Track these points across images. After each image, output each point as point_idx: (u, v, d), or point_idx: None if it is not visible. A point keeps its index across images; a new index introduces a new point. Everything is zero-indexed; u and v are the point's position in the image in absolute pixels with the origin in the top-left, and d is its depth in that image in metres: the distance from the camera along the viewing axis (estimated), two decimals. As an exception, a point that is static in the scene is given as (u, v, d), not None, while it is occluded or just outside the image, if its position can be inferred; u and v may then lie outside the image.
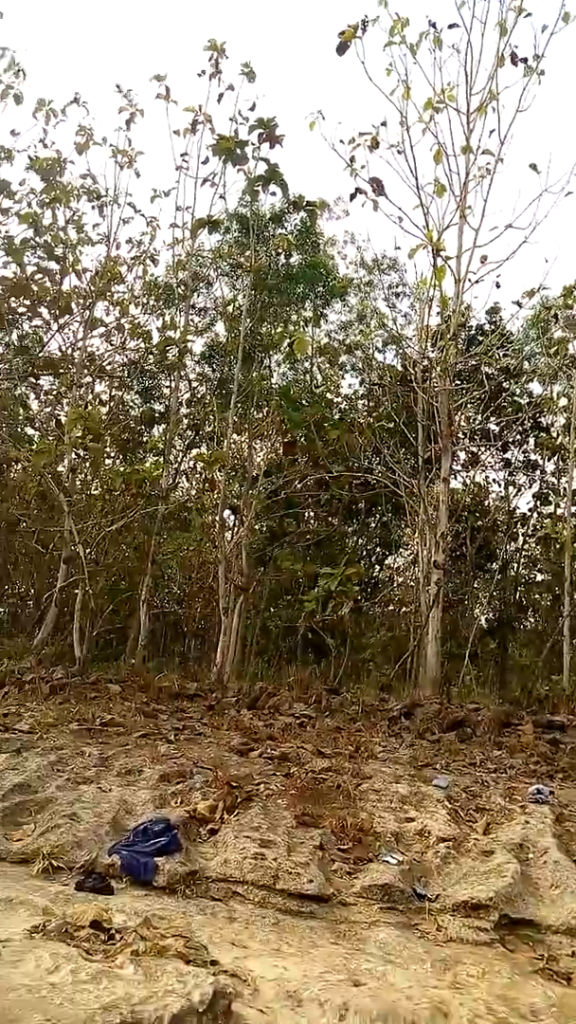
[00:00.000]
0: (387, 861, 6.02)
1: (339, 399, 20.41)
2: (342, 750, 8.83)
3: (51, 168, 15.73)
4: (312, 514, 19.05)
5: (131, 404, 20.11)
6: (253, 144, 14.26)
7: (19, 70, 15.40)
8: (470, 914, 5.41)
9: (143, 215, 16.64)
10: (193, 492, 20.56)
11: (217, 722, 10.01)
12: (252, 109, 14.53)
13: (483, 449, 17.83)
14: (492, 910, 5.41)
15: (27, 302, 16.42)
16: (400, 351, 18.34)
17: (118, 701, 10.61)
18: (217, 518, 15.19)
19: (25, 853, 5.71)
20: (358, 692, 12.70)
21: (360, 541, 20.16)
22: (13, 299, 16.20)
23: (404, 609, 19.79)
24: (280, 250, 14.93)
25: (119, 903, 5.07)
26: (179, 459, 18.99)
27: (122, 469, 14.52)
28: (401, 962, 4.79)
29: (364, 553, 20.05)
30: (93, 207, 16.41)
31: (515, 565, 19.29)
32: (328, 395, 19.89)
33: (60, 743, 8.09)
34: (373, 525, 19.47)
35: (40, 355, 17.37)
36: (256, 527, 16.39)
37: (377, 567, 20.63)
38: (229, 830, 6.26)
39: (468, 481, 18.82)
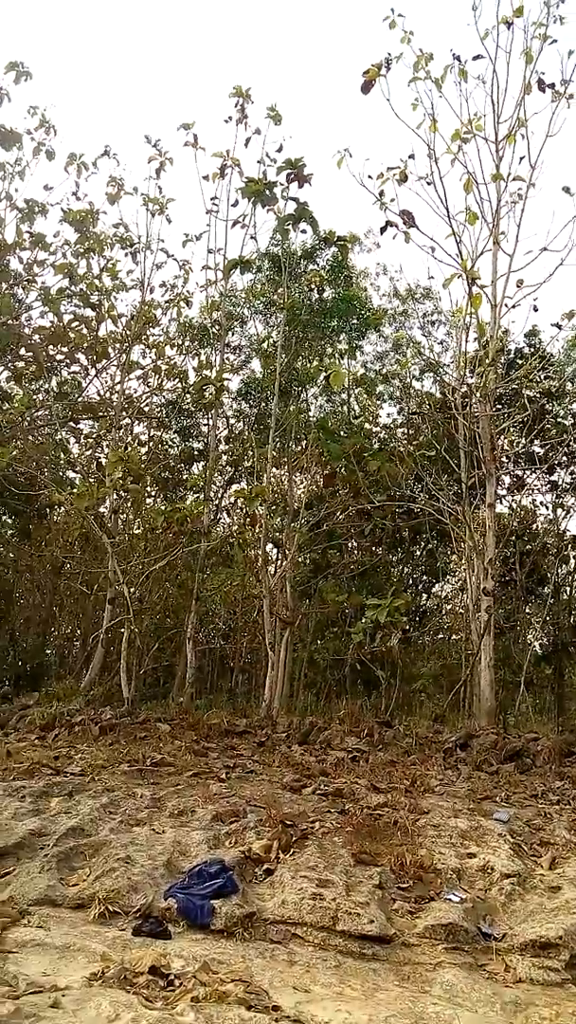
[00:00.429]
0: (450, 899, 5.83)
1: (378, 428, 20.35)
2: (397, 784, 8.63)
3: (84, 220, 16.16)
4: (355, 545, 18.92)
5: (170, 443, 20.32)
6: (282, 184, 14.54)
7: (50, 127, 15.96)
8: (539, 953, 5.20)
9: (175, 259, 16.99)
10: (234, 527, 20.61)
11: (268, 759, 9.89)
12: (279, 151, 14.83)
13: (528, 472, 17.58)
14: (562, 949, 5.20)
15: (65, 349, 16.80)
16: (438, 378, 18.27)
17: (168, 740, 10.54)
18: (259, 553, 15.17)
19: (81, 898, 5.65)
20: (411, 724, 12.45)
21: (405, 570, 19.92)
22: (52, 347, 16.60)
23: (454, 637, 19.46)
24: (313, 286, 15.05)
25: (177, 948, 4.98)
26: (219, 495, 19.08)
27: (163, 508, 14.62)
28: (469, 1005, 4.61)
29: (410, 582, 19.80)
30: (126, 254, 16.78)
31: (568, 588, 18.86)
32: (367, 425, 19.85)
33: (112, 785, 8.05)
34: (418, 553, 19.23)
35: (79, 400, 17.69)
36: (299, 560, 16.33)
37: (424, 595, 20.34)
38: (285, 870, 6.13)
39: (514, 505, 18.54)
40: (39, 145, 15.94)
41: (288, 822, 6.93)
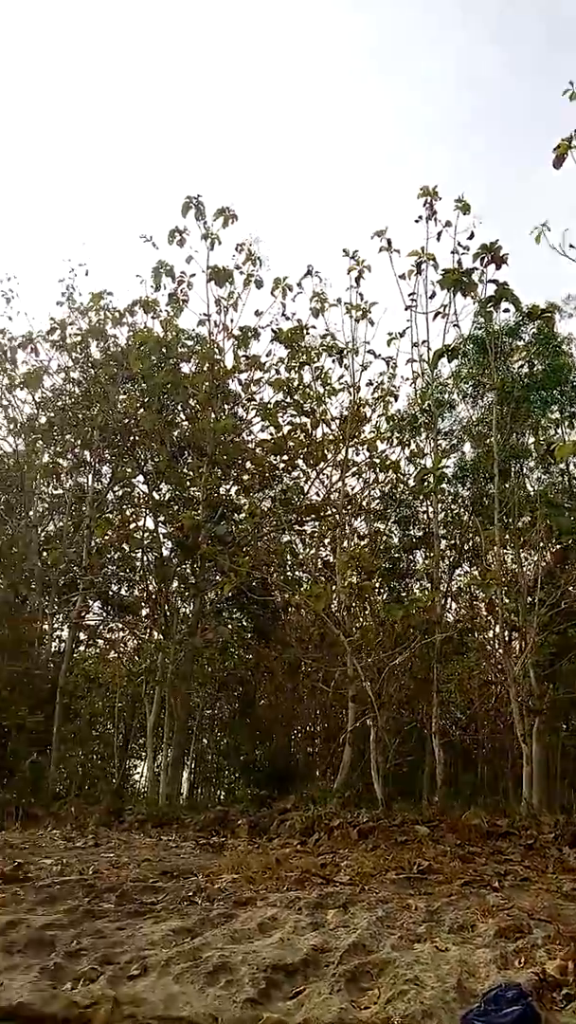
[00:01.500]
0: None
1: (605, 496, 19.36)
2: None
3: (293, 336, 17.24)
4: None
5: (389, 533, 20.52)
6: (479, 269, 14.72)
7: (256, 259, 17.37)
8: None
9: (381, 358, 17.53)
10: (463, 613, 20.18)
11: (540, 864, 9.28)
12: (471, 238, 15.09)
13: None
14: None
15: (285, 457, 17.72)
16: None
17: (429, 844, 10.23)
18: (498, 639, 14.69)
19: (375, 1023, 5.52)
20: None
21: None
22: (273, 457, 17.59)
23: None
24: (521, 362, 14.93)
25: None
26: (445, 581, 18.86)
27: (402, 603, 14.68)
28: None
29: None
30: (333, 361, 17.61)
31: None
32: (592, 493, 18.96)
33: (383, 895, 7.90)
34: None
35: (302, 503, 18.47)
36: (539, 642, 15.60)
37: None
38: (588, 996, 5.64)
39: None
40: (248, 277, 17.39)
41: (580, 940, 6.41)
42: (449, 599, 19.19)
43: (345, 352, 17.18)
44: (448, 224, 15.50)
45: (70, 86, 61.96)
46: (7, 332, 20.81)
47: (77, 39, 59.99)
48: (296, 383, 17.34)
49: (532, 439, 16.55)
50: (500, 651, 14.74)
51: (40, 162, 60.28)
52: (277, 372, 17.77)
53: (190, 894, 7.99)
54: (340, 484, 17.64)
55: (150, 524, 19.35)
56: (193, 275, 17.85)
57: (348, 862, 9.23)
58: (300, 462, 18.15)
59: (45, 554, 20.14)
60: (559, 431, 18.68)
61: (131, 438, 18.58)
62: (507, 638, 15.42)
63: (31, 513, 21.08)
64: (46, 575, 19.84)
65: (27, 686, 17.75)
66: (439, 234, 15.58)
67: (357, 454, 18.43)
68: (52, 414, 20.29)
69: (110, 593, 19.87)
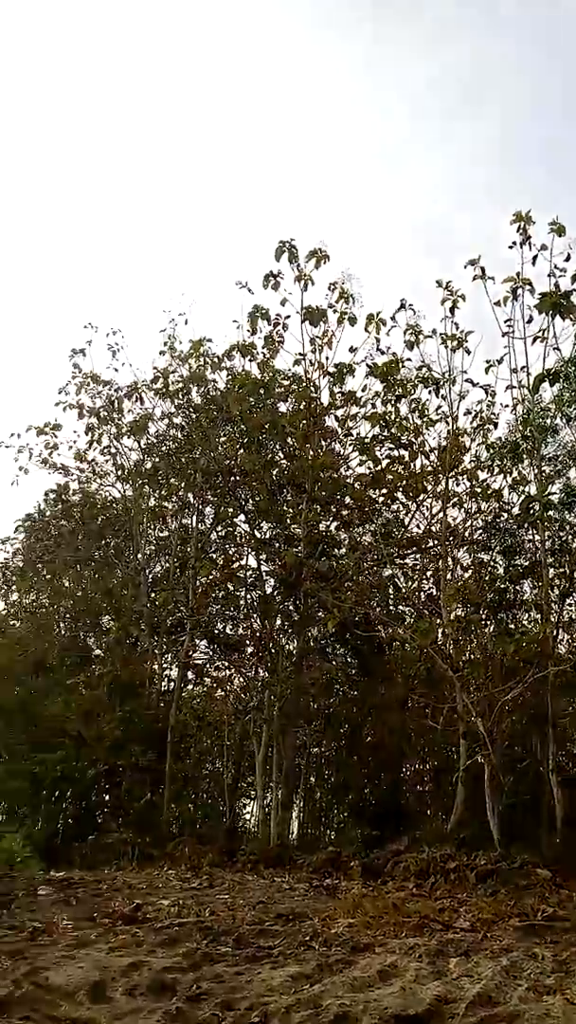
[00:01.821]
0: None
1: None
2: None
3: (389, 370, 17.25)
4: None
5: (493, 564, 20.02)
6: (577, 289, 14.42)
7: (350, 296, 17.54)
8: None
9: (479, 386, 17.31)
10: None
11: None
12: (567, 260, 14.83)
13: None
14: None
15: (384, 491, 17.62)
16: None
17: (552, 889, 9.79)
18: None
19: (506, 1080, 5.28)
20: None
21: None
22: (372, 491, 17.54)
23: None
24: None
25: None
26: (555, 612, 18.22)
27: (506, 635, 14.27)
28: None
29: None
30: (430, 392, 17.49)
31: None
32: None
33: (506, 943, 7.59)
34: None
35: (402, 536, 18.30)
36: None
37: None
38: None
39: None
40: (341, 315, 17.57)
41: None
42: (560, 630, 18.50)
43: (442, 383, 17.03)
44: (544, 247, 15.33)
45: (169, 142, 64.80)
46: (114, 383, 21.77)
47: (169, 94, 62.70)
48: (393, 416, 17.31)
49: None
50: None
51: (145, 224, 63.10)
52: (373, 406, 17.82)
53: (307, 938, 7.90)
54: (441, 515, 17.40)
55: (253, 562, 19.61)
56: (288, 316, 18.19)
57: (467, 907, 8.94)
58: (399, 495, 18.05)
59: (153, 595, 20.65)
60: None
61: (232, 479, 18.95)
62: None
63: (139, 556, 21.72)
64: (155, 616, 20.33)
65: (139, 726, 18.12)
66: (534, 258, 15.43)
67: (457, 484, 18.16)
68: (157, 459, 20.97)
69: (216, 632, 20.14)
